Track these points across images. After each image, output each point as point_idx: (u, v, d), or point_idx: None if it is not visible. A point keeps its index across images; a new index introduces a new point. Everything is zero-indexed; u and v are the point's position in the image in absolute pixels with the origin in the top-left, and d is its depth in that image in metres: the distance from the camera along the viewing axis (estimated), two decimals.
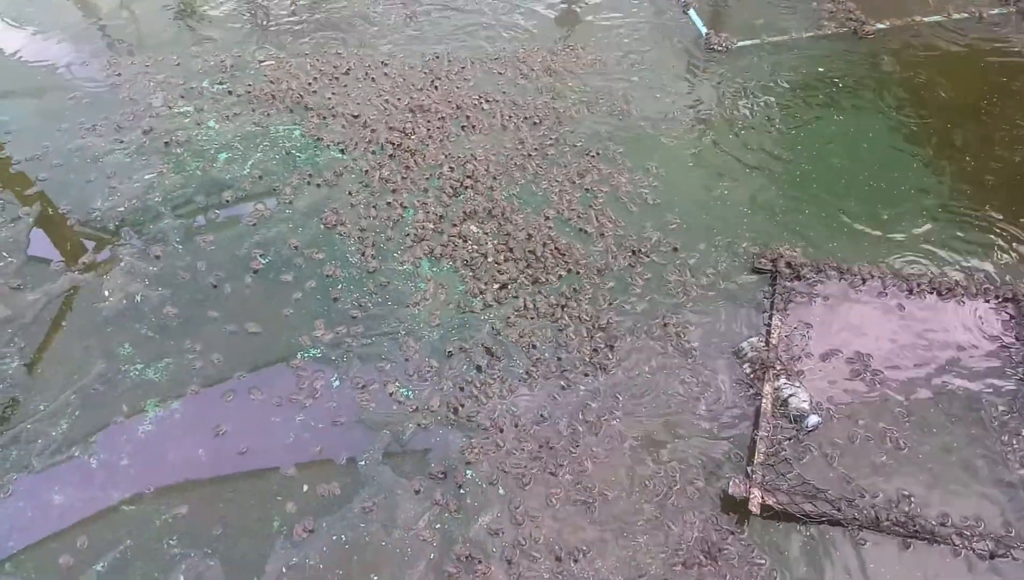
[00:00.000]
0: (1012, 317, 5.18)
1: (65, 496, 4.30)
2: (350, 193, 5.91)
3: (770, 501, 4.26)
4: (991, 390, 4.80)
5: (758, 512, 4.21)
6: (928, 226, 5.74)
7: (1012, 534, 4.18)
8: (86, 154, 6.25)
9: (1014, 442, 4.55)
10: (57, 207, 5.84)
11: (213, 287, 5.30)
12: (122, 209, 5.80)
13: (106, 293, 5.25)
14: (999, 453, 4.50)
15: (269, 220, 5.73)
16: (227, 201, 5.83)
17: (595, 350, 4.98)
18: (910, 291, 5.30)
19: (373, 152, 6.28)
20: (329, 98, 6.80)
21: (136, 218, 5.74)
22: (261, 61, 7.22)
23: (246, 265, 5.43)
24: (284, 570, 4.04)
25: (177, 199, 5.86)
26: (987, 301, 5.25)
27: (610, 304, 5.24)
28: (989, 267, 5.48)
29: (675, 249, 5.56)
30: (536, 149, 6.30)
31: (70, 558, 4.06)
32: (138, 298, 5.22)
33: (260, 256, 5.48)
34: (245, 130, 6.49)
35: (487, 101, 6.76)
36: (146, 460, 4.47)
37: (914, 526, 4.18)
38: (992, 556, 4.10)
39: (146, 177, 6.02)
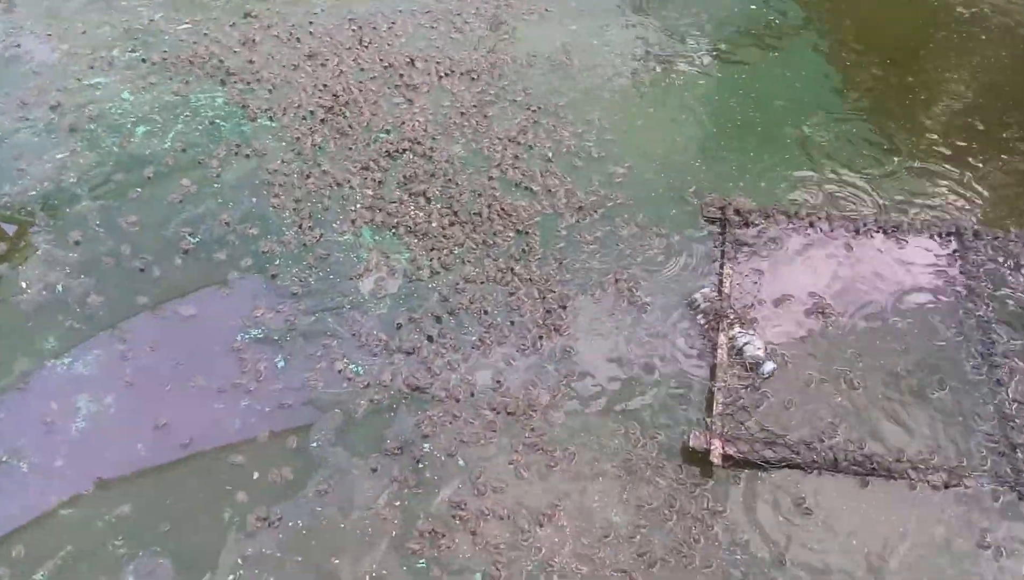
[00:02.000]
0: (956, 251, 5.24)
1: None
2: (282, 162, 5.61)
3: (731, 451, 4.25)
4: (940, 323, 4.87)
5: (720, 463, 4.21)
6: (872, 168, 5.75)
7: (964, 463, 4.28)
8: None
9: (964, 372, 4.64)
10: None
11: (140, 271, 4.98)
12: (34, 193, 5.38)
13: (23, 285, 4.88)
14: (951, 386, 4.58)
15: (196, 196, 5.39)
16: (149, 178, 5.46)
17: (548, 311, 4.87)
18: (856, 231, 5.32)
19: (303, 117, 5.96)
20: (252, 62, 6.41)
21: (50, 202, 5.33)
22: (176, 26, 6.74)
23: (175, 246, 5.11)
24: (240, 562, 3.88)
25: (94, 179, 5.46)
26: (931, 237, 5.30)
27: (560, 263, 5.12)
28: (934, 203, 5.53)
29: (622, 203, 5.45)
30: (475, 106, 6.07)
31: (6, 569, 3.81)
32: (59, 288, 4.87)
33: (189, 235, 5.16)
34: (163, 100, 6.07)
35: (421, 59, 6.47)
36: (82, 460, 4.21)
37: (871, 464, 4.24)
38: (946, 486, 4.19)
39: (58, 157, 5.58)
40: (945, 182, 5.67)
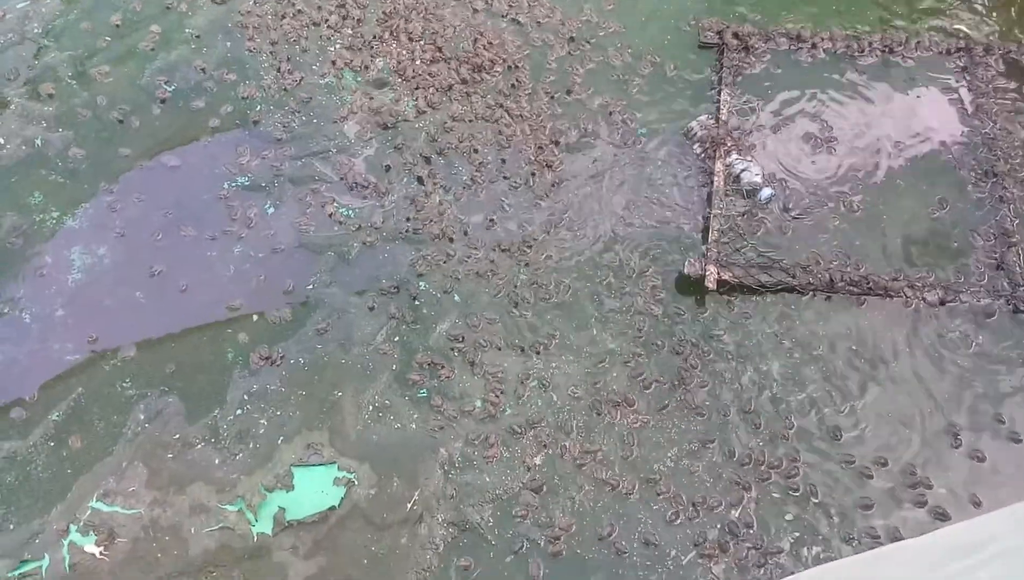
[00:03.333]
0: (964, 68, 5.00)
1: (2, 354, 4.10)
2: (254, 3, 5.29)
3: (726, 276, 4.25)
4: (944, 144, 4.72)
5: (715, 288, 4.22)
6: None
7: (962, 280, 4.27)
8: None
9: (967, 191, 4.54)
10: None
11: (119, 123, 4.82)
12: None
13: (1, 140, 4.75)
14: (952, 205, 4.50)
15: (168, 43, 5.13)
16: (117, 26, 5.17)
17: (539, 148, 4.73)
18: (860, 51, 5.06)
19: None
20: None
21: (17, 54, 5.09)
22: None
23: (151, 95, 4.92)
24: (246, 397, 3.99)
25: (59, 28, 5.18)
26: (939, 53, 5.05)
27: (552, 97, 4.92)
28: (940, 22, 5.23)
29: (614, 31, 5.17)
30: None
31: (22, 411, 3.94)
32: (38, 142, 4.74)
33: (165, 84, 4.96)
34: None
35: None
36: (82, 308, 4.25)
37: (867, 284, 4.24)
38: (942, 302, 4.20)
39: (18, 6, 5.27)
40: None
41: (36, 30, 5.17)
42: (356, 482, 3.78)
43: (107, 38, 5.13)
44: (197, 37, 5.14)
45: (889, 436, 3.86)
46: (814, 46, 5.07)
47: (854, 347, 4.10)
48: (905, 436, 3.86)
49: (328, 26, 5.18)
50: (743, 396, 3.97)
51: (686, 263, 4.29)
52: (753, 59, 5.05)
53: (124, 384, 4.02)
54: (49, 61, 5.03)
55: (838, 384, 4.01)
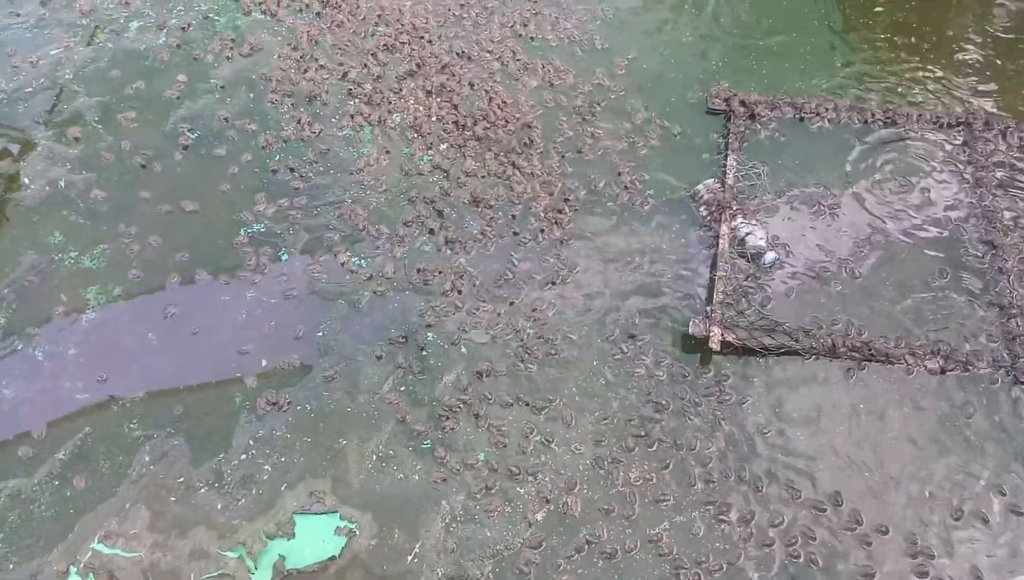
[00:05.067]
0: (964, 142, 5.15)
1: (14, 390, 4.15)
2: (278, 57, 5.49)
3: (730, 338, 4.31)
4: (944, 213, 4.83)
5: (718, 349, 4.27)
6: (877, 65, 5.59)
7: (962, 350, 4.32)
8: None
9: (967, 261, 4.63)
10: None
11: (142, 167, 4.96)
12: (30, 90, 5.31)
13: (26, 181, 4.88)
14: (952, 275, 4.58)
15: (194, 92, 5.31)
16: (145, 74, 5.36)
17: (549, 205, 4.85)
18: (864, 121, 5.21)
19: (299, 10, 5.79)
20: None
21: (48, 99, 5.27)
22: None
23: (174, 141, 5.07)
24: (251, 442, 4.02)
25: (89, 75, 5.37)
26: (940, 126, 5.20)
27: (562, 157, 5.07)
28: (942, 97, 5.41)
29: (625, 94, 5.35)
30: None
31: (29, 449, 3.97)
32: (62, 184, 4.87)
33: (188, 131, 5.12)
34: None
35: None
36: (94, 348, 4.31)
37: (869, 350, 4.29)
38: (943, 371, 4.25)
39: (52, 53, 5.48)
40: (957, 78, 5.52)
41: (67, 76, 5.35)
42: (357, 532, 3.78)
43: (135, 85, 5.31)
44: (222, 88, 5.32)
45: (891, 504, 3.87)
46: (819, 115, 5.23)
47: (855, 413, 4.13)
48: (907, 504, 3.86)
49: (349, 80, 5.35)
50: (744, 458, 3.99)
51: (691, 323, 4.36)
52: (759, 126, 5.21)
53: (131, 425, 4.06)
54: (77, 106, 5.20)
55: (839, 449, 4.03)
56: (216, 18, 5.75)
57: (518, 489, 3.90)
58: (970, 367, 4.23)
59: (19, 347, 4.28)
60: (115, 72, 5.38)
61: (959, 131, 5.20)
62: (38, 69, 5.39)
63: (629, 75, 5.47)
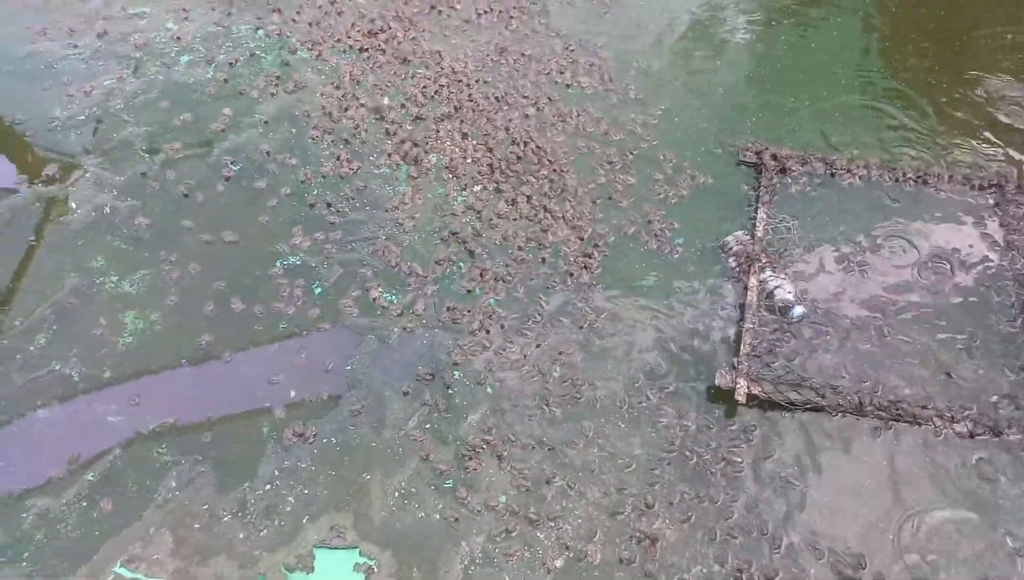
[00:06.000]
0: (996, 204, 5.15)
1: (49, 410, 4.25)
2: (320, 95, 5.66)
3: (756, 391, 4.31)
4: (975, 278, 4.82)
5: (744, 402, 4.27)
6: (910, 118, 5.63)
7: (1001, 413, 4.26)
8: (38, 60, 5.89)
9: (997, 325, 4.60)
10: (13, 118, 5.54)
11: (184, 196, 5.12)
12: (83, 118, 5.52)
13: (73, 205, 5.05)
14: (982, 338, 4.56)
15: (238, 125, 5.49)
16: (192, 106, 5.56)
17: (579, 250, 4.91)
18: (895, 180, 5.24)
19: (343, 51, 5.98)
20: None
21: (98, 127, 5.47)
22: None
23: (217, 172, 5.23)
24: (276, 472, 4.07)
25: (139, 105, 5.58)
26: (971, 188, 5.21)
27: (594, 202, 5.14)
28: (971, 157, 5.42)
29: (657, 144, 5.43)
30: (513, 44, 6.03)
31: (59, 469, 4.05)
32: (107, 209, 5.03)
33: (231, 163, 5.28)
34: (206, 31, 6.13)
35: None
36: (129, 371, 4.41)
37: (896, 410, 4.26)
38: (971, 435, 4.20)
39: (105, 83, 5.70)
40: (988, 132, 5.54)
41: (118, 105, 5.56)
42: (376, 569, 3.79)
43: (182, 117, 5.50)
44: (265, 122, 5.48)
45: (915, 567, 3.81)
46: (850, 172, 5.27)
47: (882, 473, 4.09)
48: (932, 570, 3.80)
49: (389, 120, 5.50)
50: (767, 513, 3.96)
51: (717, 374, 4.36)
52: (790, 180, 5.26)
53: (160, 450, 4.13)
54: (126, 135, 5.39)
55: (864, 510, 3.98)
56: (263, 55, 5.95)
57: (538, 534, 3.90)
58: (1000, 433, 4.18)
59: (56, 368, 4.39)
60: (164, 103, 5.58)
61: (991, 193, 5.20)
62: (91, 98, 5.61)
63: (662, 125, 5.56)
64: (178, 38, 6.04)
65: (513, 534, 3.89)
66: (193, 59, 5.91)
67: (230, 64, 5.86)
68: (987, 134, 5.52)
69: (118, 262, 4.81)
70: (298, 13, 6.25)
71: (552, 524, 3.92)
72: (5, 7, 6.30)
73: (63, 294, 4.65)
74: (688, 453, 4.15)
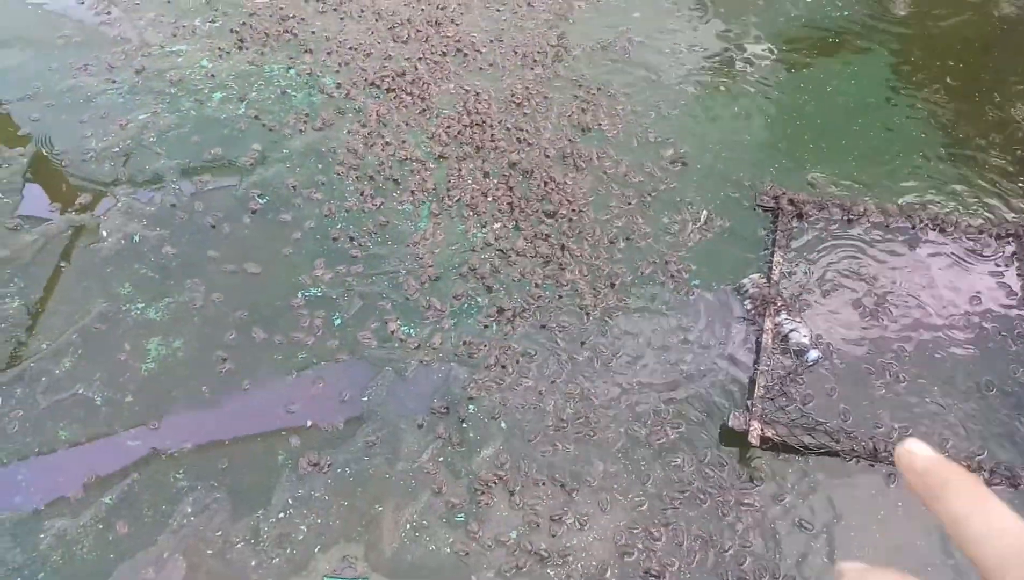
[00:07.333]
0: (1014, 253, 5.16)
1: (71, 432, 4.34)
2: (347, 133, 5.82)
3: (769, 433, 4.30)
4: (992, 326, 4.81)
5: (757, 444, 4.26)
6: (931, 166, 5.69)
7: (1017, 465, 4.23)
8: (78, 94, 6.13)
9: (1016, 375, 4.58)
10: (51, 148, 5.75)
11: (212, 227, 5.25)
12: (117, 149, 5.71)
13: (104, 233, 5.20)
14: (1000, 388, 4.53)
15: (266, 161, 5.65)
16: (223, 141, 5.74)
17: (595, 289, 4.97)
18: (912, 227, 5.27)
19: (376, 96, 6.16)
20: (326, 38, 6.65)
21: (132, 158, 5.66)
22: None
23: (244, 205, 5.37)
24: (290, 501, 4.10)
25: (172, 139, 5.77)
26: (990, 236, 5.23)
27: (611, 243, 5.21)
28: (992, 203, 5.45)
29: (675, 186, 5.52)
30: (536, 87, 6.18)
31: (77, 491, 4.11)
32: (136, 238, 5.18)
33: (258, 196, 5.42)
34: (239, 69, 6.35)
35: (486, 41, 6.62)
36: (150, 397, 4.49)
37: None
38: (988, 485, 4.15)
39: (140, 117, 5.91)
40: (1009, 185, 5.57)
41: (151, 139, 5.75)
42: None
43: (213, 151, 5.67)
44: (292, 157, 5.64)
45: None
46: (867, 218, 5.31)
47: (896, 520, 4.05)
48: None
49: (412, 159, 5.64)
50: (779, 558, 3.93)
51: (731, 416, 4.37)
52: (807, 225, 5.31)
53: (177, 475, 4.19)
54: (158, 167, 5.56)
55: (876, 556, 3.93)
56: (293, 94, 6.15)
57: (548, 571, 3.89)
58: (1018, 484, 4.13)
59: (80, 391, 4.48)
60: (196, 137, 5.77)
61: (1008, 241, 5.22)
62: (126, 131, 5.81)
63: (681, 168, 5.65)
64: (212, 75, 6.26)
65: (523, 570, 3.88)
66: (226, 96, 6.12)
67: (260, 101, 6.05)
68: (1007, 184, 5.56)
69: (144, 290, 4.94)
70: (328, 54, 6.46)
71: (562, 561, 3.91)
72: (50, 44, 6.58)
73: (90, 319, 4.77)
74: (701, 494, 4.14)
